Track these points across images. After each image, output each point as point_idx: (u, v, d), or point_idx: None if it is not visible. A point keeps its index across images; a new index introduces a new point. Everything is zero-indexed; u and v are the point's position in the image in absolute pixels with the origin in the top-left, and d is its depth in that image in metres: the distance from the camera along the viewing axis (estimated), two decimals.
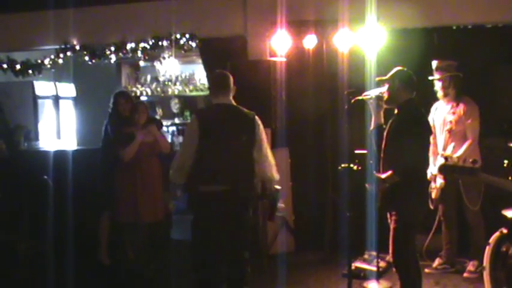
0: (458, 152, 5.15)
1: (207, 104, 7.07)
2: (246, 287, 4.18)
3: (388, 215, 4.30)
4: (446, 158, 3.77)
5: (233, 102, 4.29)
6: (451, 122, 5.38)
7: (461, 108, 5.36)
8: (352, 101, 4.60)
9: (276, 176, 4.26)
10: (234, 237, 4.10)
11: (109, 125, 5.79)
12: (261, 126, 4.25)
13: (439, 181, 5.24)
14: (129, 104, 5.82)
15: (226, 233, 4.06)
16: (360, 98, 4.56)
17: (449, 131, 5.37)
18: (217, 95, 4.24)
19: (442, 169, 3.76)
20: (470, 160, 3.73)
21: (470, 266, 5.39)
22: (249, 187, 4.13)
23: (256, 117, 4.25)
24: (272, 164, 4.24)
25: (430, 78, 5.48)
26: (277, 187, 4.28)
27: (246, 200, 4.11)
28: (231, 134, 4.13)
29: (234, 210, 4.03)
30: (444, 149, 5.30)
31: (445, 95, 5.44)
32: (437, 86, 5.46)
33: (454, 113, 5.38)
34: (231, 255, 4.16)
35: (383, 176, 4.17)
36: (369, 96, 4.51)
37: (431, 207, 5.18)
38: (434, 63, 5.48)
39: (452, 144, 4.98)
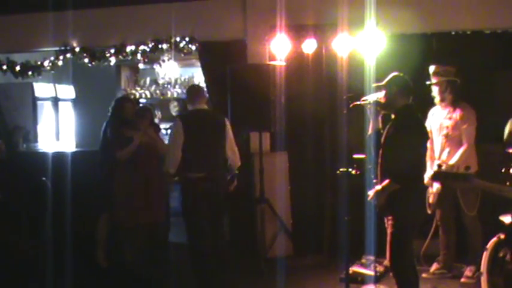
0: (453, 157, 5.16)
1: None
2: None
3: (385, 220, 4.31)
4: (439, 165, 3.79)
5: (206, 107, 5.29)
6: (447, 127, 5.38)
7: (457, 114, 5.37)
8: (351, 105, 4.61)
9: (239, 162, 5.28)
10: (213, 208, 5.11)
11: (109, 127, 5.80)
12: (229, 126, 5.24)
13: (436, 186, 5.25)
14: (134, 108, 5.89)
15: (208, 206, 5.07)
16: (358, 103, 4.58)
17: (446, 136, 5.38)
18: (194, 103, 5.18)
19: (435, 177, 3.78)
20: (463, 167, 3.75)
21: (468, 271, 5.38)
22: (222, 172, 5.18)
23: (226, 119, 5.28)
24: (237, 153, 5.26)
25: (427, 83, 5.50)
26: (236, 171, 5.33)
27: (219, 181, 5.11)
28: (207, 133, 5.10)
29: (212, 190, 5.06)
30: (440, 154, 5.32)
31: (442, 100, 5.44)
32: (435, 91, 5.47)
33: (450, 118, 5.39)
34: (212, 222, 5.11)
35: (379, 187, 4.18)
36: (367, 101, 4.52)
37: (429, 212, 5.20)
38: (431, 68, 5.50)
39: (448, 149, 4.98)
